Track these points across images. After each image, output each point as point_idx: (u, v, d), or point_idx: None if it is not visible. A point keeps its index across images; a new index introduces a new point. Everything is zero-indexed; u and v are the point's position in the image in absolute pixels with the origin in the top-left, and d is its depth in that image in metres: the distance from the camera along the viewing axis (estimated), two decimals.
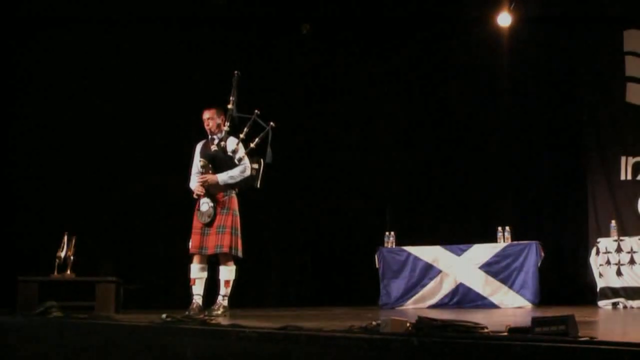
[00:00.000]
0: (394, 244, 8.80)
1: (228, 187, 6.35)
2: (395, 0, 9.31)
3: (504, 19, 8.95)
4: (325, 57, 9.87)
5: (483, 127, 9.61)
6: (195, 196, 6.30)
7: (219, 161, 6.34)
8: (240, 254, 6.32)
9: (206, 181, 6.26)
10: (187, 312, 5.80)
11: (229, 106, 6.42)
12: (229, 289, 6.34)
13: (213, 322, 4.59)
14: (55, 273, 7.22)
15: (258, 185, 6.58)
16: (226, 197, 6.34)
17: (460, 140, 9.70)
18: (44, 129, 8.55)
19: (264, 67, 9.49)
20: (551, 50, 9.23)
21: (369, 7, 9.26)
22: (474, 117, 9.61)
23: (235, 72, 6.49)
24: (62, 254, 7.22)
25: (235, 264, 6.38)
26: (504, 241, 8.31)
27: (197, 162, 6.47)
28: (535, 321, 2.99)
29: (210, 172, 6.30)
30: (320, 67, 9.86)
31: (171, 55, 9.03)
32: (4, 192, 8.33)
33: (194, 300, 6.27)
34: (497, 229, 8.38)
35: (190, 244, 6.31)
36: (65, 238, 7.29)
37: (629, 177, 8.54)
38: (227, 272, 6.32)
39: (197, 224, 6.30)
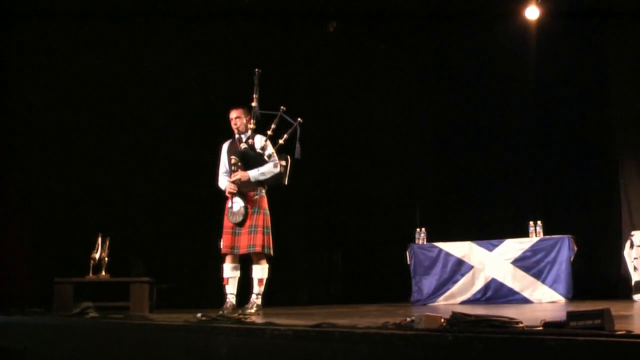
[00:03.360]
0: (425, 240, 8.77)
1: (258, 185, 6.38)
2: None
3: (532, 13, 8.86)
4: (351, 54, 9.87)
5: (513, 122, 9.54)
6: (227, 194, 6.33)
7: (249, 158, 6.37)
8: (272, 252, 6.36)
9: (239, 179, 6.29)
10: (221, 311, 5.83)
11: (253, 104, 6.46)
12: (262, 288, 6.38)
13: (248, 320, 4.62)
14: (90, 274, 7.33)
15: (286, 182, 6.60)
16: (257, 196, 6.38)
17: (490, 135, 9.65)
18: (76, 131, 8.62)
19: (290, 64, 9.54)
20: (580, 43, 9.13)
21: (395, 3, 9.24)
22: (504, 112, 9.55)
23: (256, 69, 6.52)
24: (97, 255, 7.33)
25: (267, 262, 6.42)
26: (535, 235, 8.25)
27: (225, 161, 6.51)
28: (570, 315, 2.98)
29: (240, 169, 6.33)
30: (347, 64, 9.86)
31: (197, 54, 9.06)
32: (40, 196, 8.44)
33: (227, 299, 6.32)
34: (528, 224, 8.33)
35: (221, 244, 6.35)
36: (100, 239, 7.40)
37: None
38: (260, 271, 6.36)
39: (228, 223, 6.34)
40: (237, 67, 8.48)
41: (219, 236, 6.40)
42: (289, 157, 6.57)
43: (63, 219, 8.35)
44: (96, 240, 7.38)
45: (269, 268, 6.44)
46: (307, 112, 9.21)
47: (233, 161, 6.34)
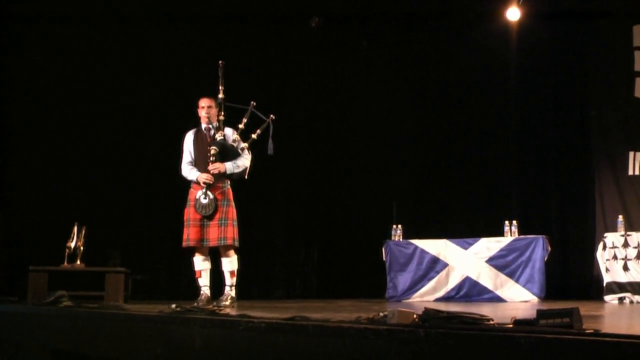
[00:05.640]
0: (401, 237, 8.81)
1: (225, 177, 6.35)
2: None
3: (513, 14, 8.90)
4: (333, 52, 9.87)
5: (490, 121, 9.58)
6: (202, 185, 6.27)
7: (226, 150, 6.34)
8: (238, 243, 6.36)
9: (218, 170, 6.26)
10: (195, 303, 5.83)
11: (220, 96, 6.44)
12: (235, 279, 6.37)
13: (222, 312, 4.63)
14: (65, 263, 7.28)
15: (246, 177, 6.56)
16: (225, 188, 6.34)
17: (467, 134, 9.70)
18: (52, 120, 8.59)
19: (272, 60, 9.51)
20: (560, 45, 9.20)
21: (378, 1, 9.26)
22: (481, 112, 9.60)
23: (220, 61, 6.48)
24: (72, 244, 7.28)
25: (235, 252, 6.40)
26: (510, 235, 8.31)
27: (191, 150, 6.42)
28: (540, 313, 3.00)
29: (218, 160, 6.29)
30: (329, 61, 9.86)
31: (178, 51, 9.03)
32: (15, 183, 8.38)
33: (202, 292, 6.31)
34: (504, 223, 8.38)
35: (187, 236, 6.27)
36: (75, 228, 7.34)
37: (637, 173, 8.52)
38: (230, 264, 6.33)
39: (195, 216, 6.25)
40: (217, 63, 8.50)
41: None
42: (250, 152, 6.54)
43: (39, 207, 8.30)
44: (72, 229, 7.33)
45: (245, 262, 6.43)
46: (287, 108, 9.25)
47: (213, 152, 6.27)
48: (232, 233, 6.22)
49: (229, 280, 6.34)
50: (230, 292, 6.31)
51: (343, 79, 9.93)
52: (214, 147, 6.27)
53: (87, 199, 8.39)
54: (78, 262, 7.31)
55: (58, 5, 8.47)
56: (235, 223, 6.30)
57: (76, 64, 8.68)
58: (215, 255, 6.45)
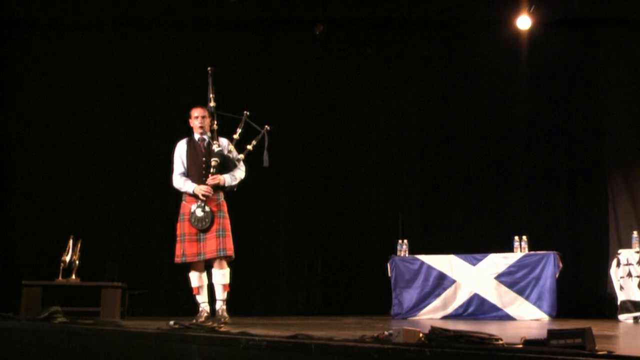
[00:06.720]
0: (406, 252, 8.66)
1: (220, 189, 6.22)
2: (412, 2, 9.22)
3: (524, 22, 8.81)
4: (339, 59, 9.80)
5: (500, 133, 9.47)
6: (201, 197, 6.11)
7: (224, 162, 6.22)
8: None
9: (217, 183, 6.12)
10: (195, 320, 5.70)
11: (211, 104, 6.32)
12: (227, 293, 6.20)
13: (222, 329, 4.53)
14: (60, 277, 7.15)
15: (235, 189, 6.42)
16: (220, 200, 6.23)
17: (476, 146, 9.58)
18: (47, 131, 8.58)
19: (276, 68, 9.46)
20: (571, 54, 9.09)
21: (385, 8, 9.18)
22: (491, 124, 9.50)
23: (209, 68, 6.37)
24: (67, 258, 7.14)
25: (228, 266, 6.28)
26: (520, 251, 8.15)
27: (184, 160, 6.30)
28: (551, 333, 2.95)
29: (217, 172, 6.15)
30: (335, 69, 9.79)
31: (180, 58, 9.00)
32: (9, 196, 8.31)
33: (201, 308, 6.19)
34: (513, 239, 8.24)
35: (181, 252, 6.12)
36: (71, 242, 7.22)
37: None
38: (223, 277, 6.18)
39: (190, 230, 6.12)
40: (223, 73, 8.41)
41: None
42: (244, 164, 6.42)
43: (34, 219, 8.25)
44: (67, 243, 7.20)
45: (236, 272, 6.31)
46: (291, 116, 9.15)
47: (214, 163, 6.15)
48: (230, 244, 6.12)
49: (221, 295, 6.17)
50: (223, 306, 6.13)
51: (347, 87, 9.87)
52: (215, 159, 6.15)
53: (84, 211, 8.36)
54: (73, 276, 7.19)
55: (58, 9, 8.43)
56: (230, 234, 6.16)
57: (75, 70, 8.66)
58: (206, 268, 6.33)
